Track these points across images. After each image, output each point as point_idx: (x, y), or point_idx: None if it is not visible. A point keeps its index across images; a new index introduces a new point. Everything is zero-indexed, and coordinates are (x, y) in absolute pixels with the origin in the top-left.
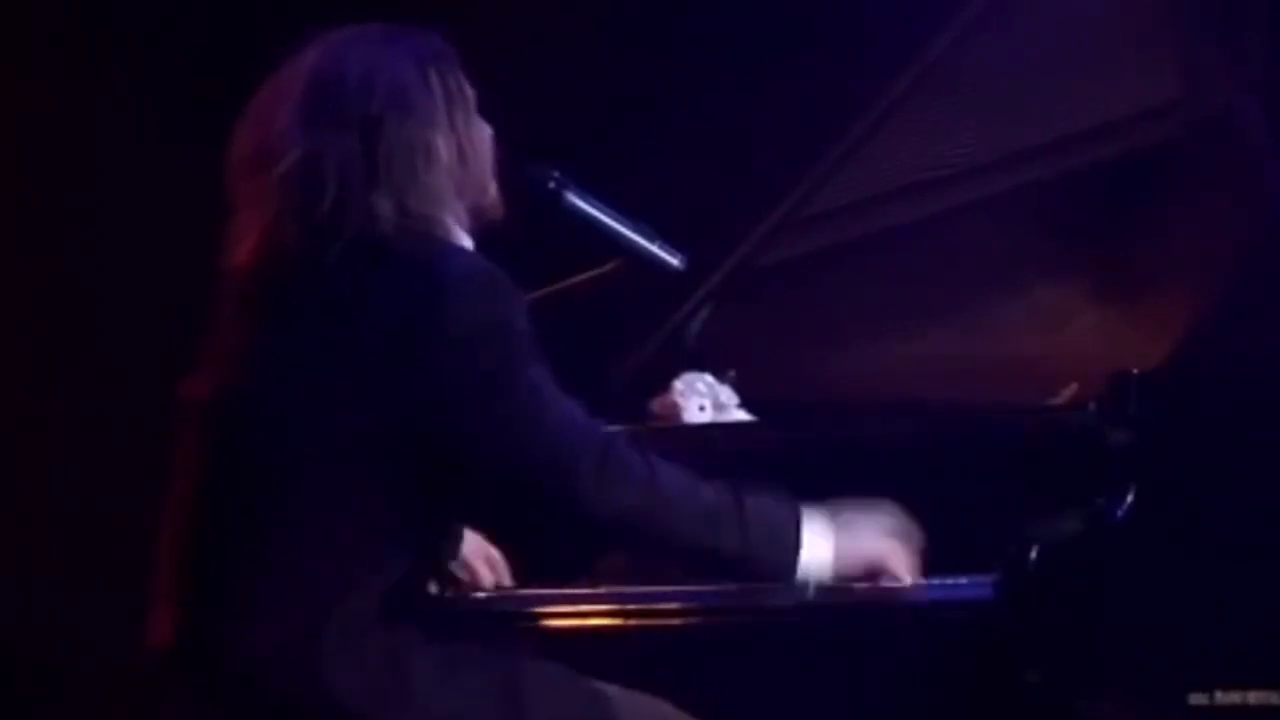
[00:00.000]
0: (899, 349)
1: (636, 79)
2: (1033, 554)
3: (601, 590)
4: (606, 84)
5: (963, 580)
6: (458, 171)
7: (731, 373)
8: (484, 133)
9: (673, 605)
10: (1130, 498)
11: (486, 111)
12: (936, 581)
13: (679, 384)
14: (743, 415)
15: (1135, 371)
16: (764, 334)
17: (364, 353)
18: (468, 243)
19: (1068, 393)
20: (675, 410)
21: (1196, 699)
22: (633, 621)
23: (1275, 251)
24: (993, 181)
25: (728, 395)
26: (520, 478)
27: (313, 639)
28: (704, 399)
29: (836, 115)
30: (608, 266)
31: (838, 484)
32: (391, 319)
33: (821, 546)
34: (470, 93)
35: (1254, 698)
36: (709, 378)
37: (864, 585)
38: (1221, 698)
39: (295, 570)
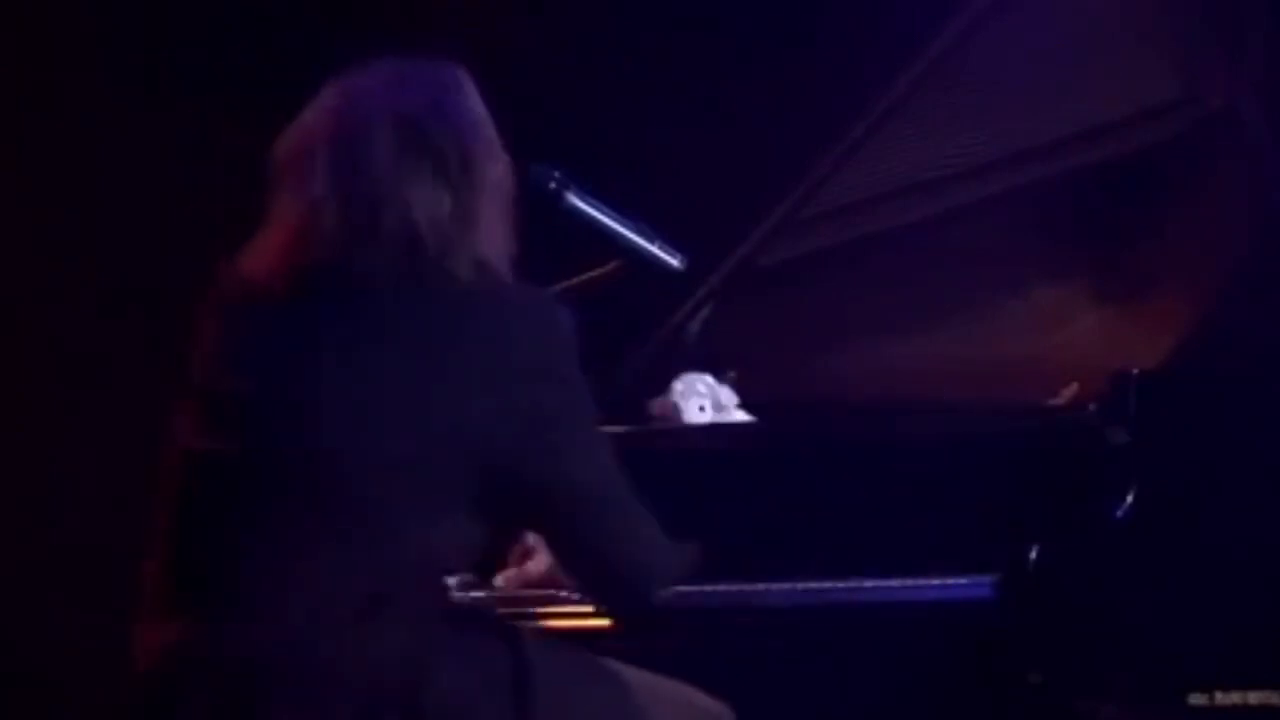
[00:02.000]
0: (899, 349)
1: (637, 79)
2: (1032, 554)
3: None
4: (607, 83)
5: (962, 580)
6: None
7: (731, 373)
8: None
9: (671, 607)
10: (1130, 498)
11: (489, 110)
12: (937, 581)
13: (679, 384)
14: (743, 416)
15: (1135, 371)
16: (764, 334)
17: (432, 378)
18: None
19: (1068, 393)
20: (675, 411)
21: (1196, 699)
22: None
23: (1274, 251)
24: (993, 181)
25: (728, 396)
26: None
27: (343, 642)
28: (704, 399)
29: (836, 115)
30: (608, 267)
31: (837, 485)
32: (466, 349)
33: None
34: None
35: (1254, 698)
36: (709, 378)
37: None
38: (1221, 698)
39: (338, 584)
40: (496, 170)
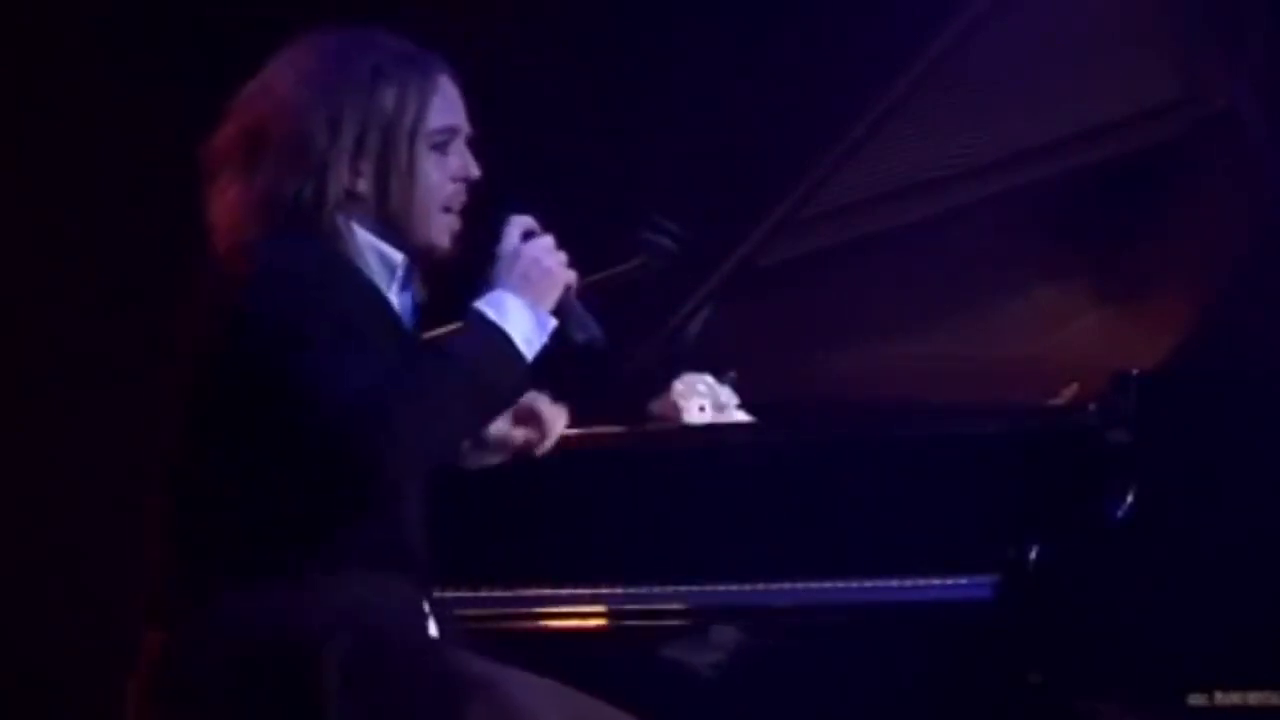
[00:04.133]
0: (899, 349)
1: (636, 78)
2: (1032, 554)
3: (599, 591)
4: (606, 83)
5: (963, 580)
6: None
7: (732, 373)
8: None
9: (671, 606)
10: (1130, 498)
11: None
12: (937, 582)
13: (679, 384)
14: (742, 416)
15: (1135, 372)
16: (764, 334)
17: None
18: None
19: (1068, 393)
20: (675, 411)
21: (1196, 699)
22: (630, 623)
23: (1274, 251)
24: (993, 182)
25: (728, 396)
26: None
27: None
28: (704, 399)
29: (836, 115)
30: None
31: (836, 485)
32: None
33: (512, 308)
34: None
35: (1253, 698)
36: (709, 378)
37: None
38: (1221, 698)
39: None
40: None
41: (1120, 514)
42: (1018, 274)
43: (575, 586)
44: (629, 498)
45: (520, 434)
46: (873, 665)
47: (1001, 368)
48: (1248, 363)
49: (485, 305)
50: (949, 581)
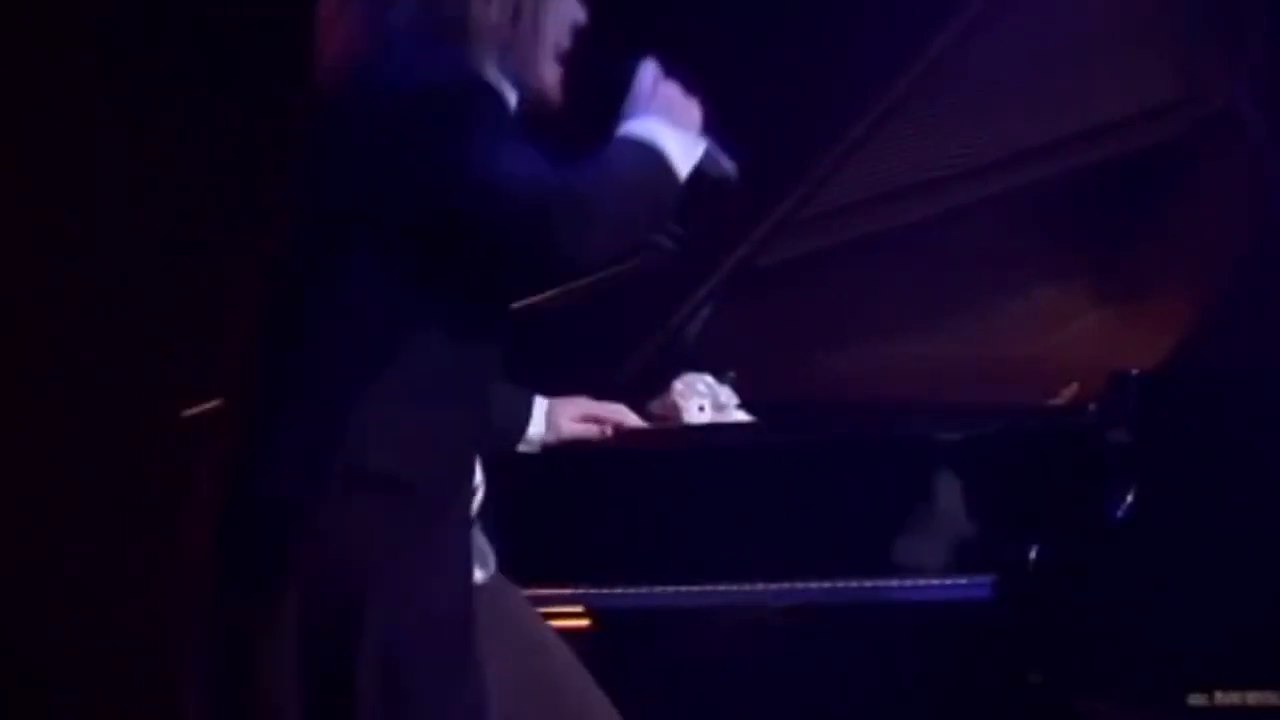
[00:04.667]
0: (898, 349)
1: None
2: (1032, 554)
3: (598, 591)
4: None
5: (962, 580)
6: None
7: (731, 373)
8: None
9: (670, 605)
10: (1130, 498)
11: None
12: (936, 581)
13: (679, 384)
14: (742, 416)
15: (1135, 372)
16: (764, 334)
17: (356, 146)
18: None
19: (1068, 393)
20: (675, 411)
21: (1196, 699)
22: (631, 624)
23: (1274, 251)
24: (993, 182)
25: (727, 396)
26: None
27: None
28: (704, 399)
29: (837, 115)
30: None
31: (836, 485)
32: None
33: (664, 134)
34: None
35: (1253, 698)
36: (709, 378)
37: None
38: (1221, 698)
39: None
40: None
41: (1120, 514)
42: (1017, 274)
43: (574, 586)
44: (628, 497)
45: (581, 429)
46: (872, 665)
47: (1001, 368)
48: (1248, 362)
49: (632, 129)
50: (948, 581)
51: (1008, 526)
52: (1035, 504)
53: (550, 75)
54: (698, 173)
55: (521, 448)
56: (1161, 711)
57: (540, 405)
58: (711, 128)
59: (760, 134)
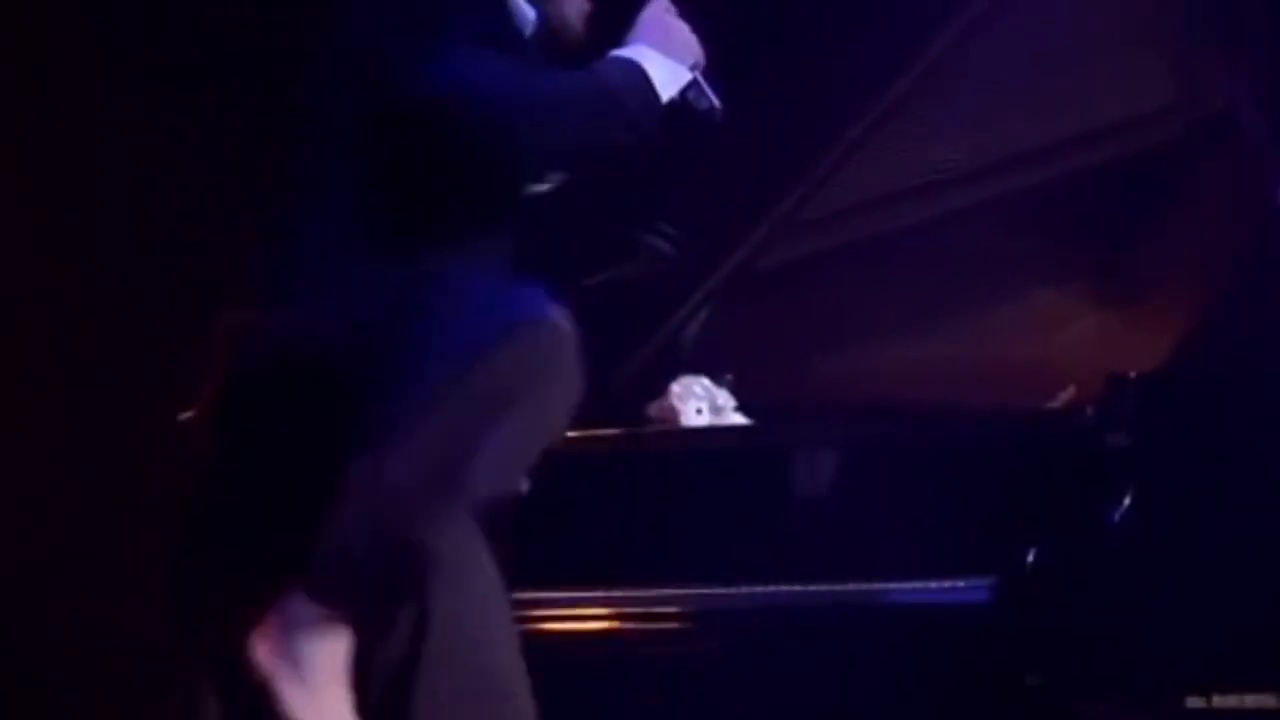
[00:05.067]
0: (897, 352)
1: None
2: (1030, 556)
3: (596, 594)
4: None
5: (960, 583)
6: None
7: (729, 376)
8: None
9: (671, 609)
10: (1127, 500)
11: None
12: (934, 584)
13: (676, 387)
14: (739, 418)
15: (1133, 375)
16: (762, 337)
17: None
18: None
19: (1065, 396)
20: (673, 414)
21: (1193, 702)
22: (631, 625)
23: (1272, 254)
24: (991, 184)
25: (725, 398)
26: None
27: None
28: (701, 402)
29: (835, 117)
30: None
31: (833, 488)
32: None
33: (653, 59)
34: None
35: (1250, 700)
36: (706, 381)
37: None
38: (1218, 700)
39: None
40: None
41: (1118, 516)
42: (1015, 277)
43: (572, 590)
44: (626, 500)
45: None
46: (871, 668)
47: (999, 370)
48: (1247, 363)
49: (623, 50)
50: (947, 584)
51: (1006, 529)
52: (1033, 506)
53: (572, 7)
54: (683, 105)
55: None
56: (1159, 714)
57: None
58: (707, 69)
59: (758, 135)
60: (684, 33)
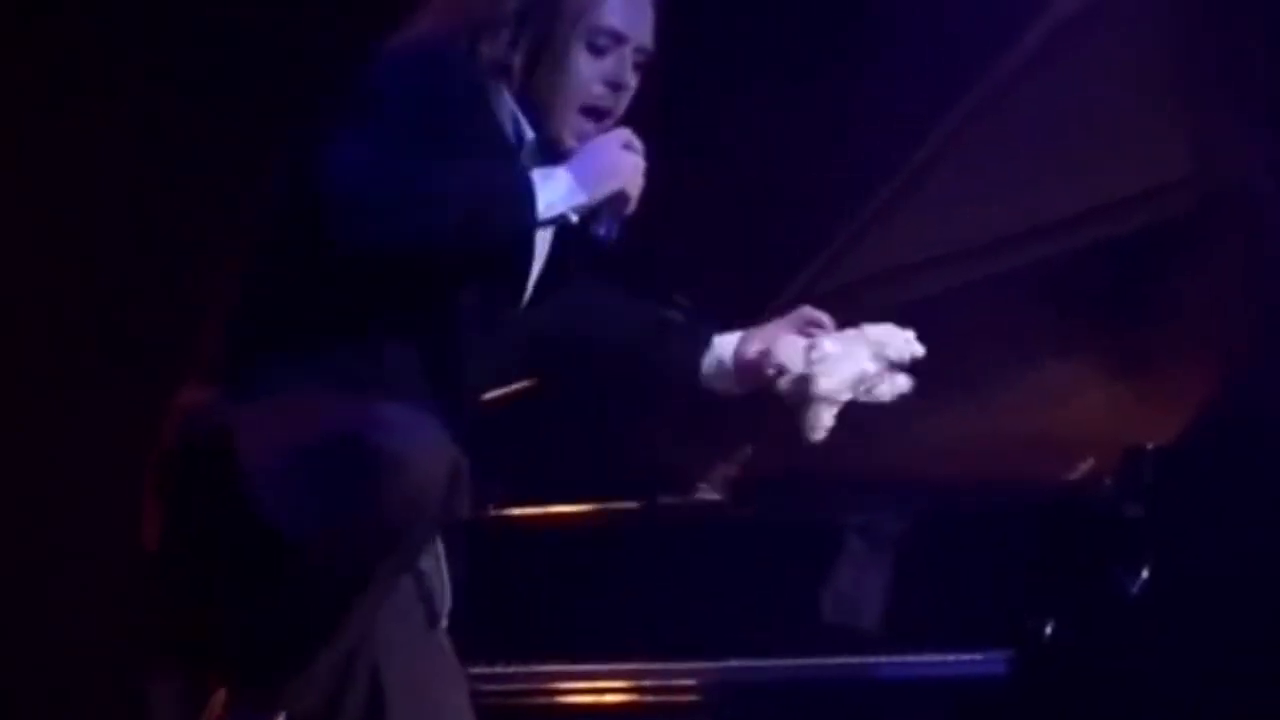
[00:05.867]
0: (914, 424)
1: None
2: (1048, 629)
3: (614, 667)
4: None
5: (977, 656)
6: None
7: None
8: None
9: (685, 682)
10: (1145, 572)
11: None
12: (952, 657)
13: (830, 344)
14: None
15: (1150, 446)
16: (776, 410)
17: None
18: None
19: (1084, 468)
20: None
21: None
22: (645, 698)
23: None
24: (1005, 258)
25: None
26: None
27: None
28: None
29: (855, 192)
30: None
31: (851, 560)
32: None
33: (558, 178)
34: None
35: None
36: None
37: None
38: None
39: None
40: None
41: (1136, 588)
42: (1031, 350)
43: (589, 662)
44: (643, 573)
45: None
46: None
47: (1016, 442)
48: (1263, 434)
49: (542, 168)
50: (964, 657)
51: (1024, 601)
52: (1051, 578)
53: (570, 130)
54: (577, 225)
55: (715, 385)
56: None
57: (724, 339)
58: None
59: (775, 210)
60: (618, 158)
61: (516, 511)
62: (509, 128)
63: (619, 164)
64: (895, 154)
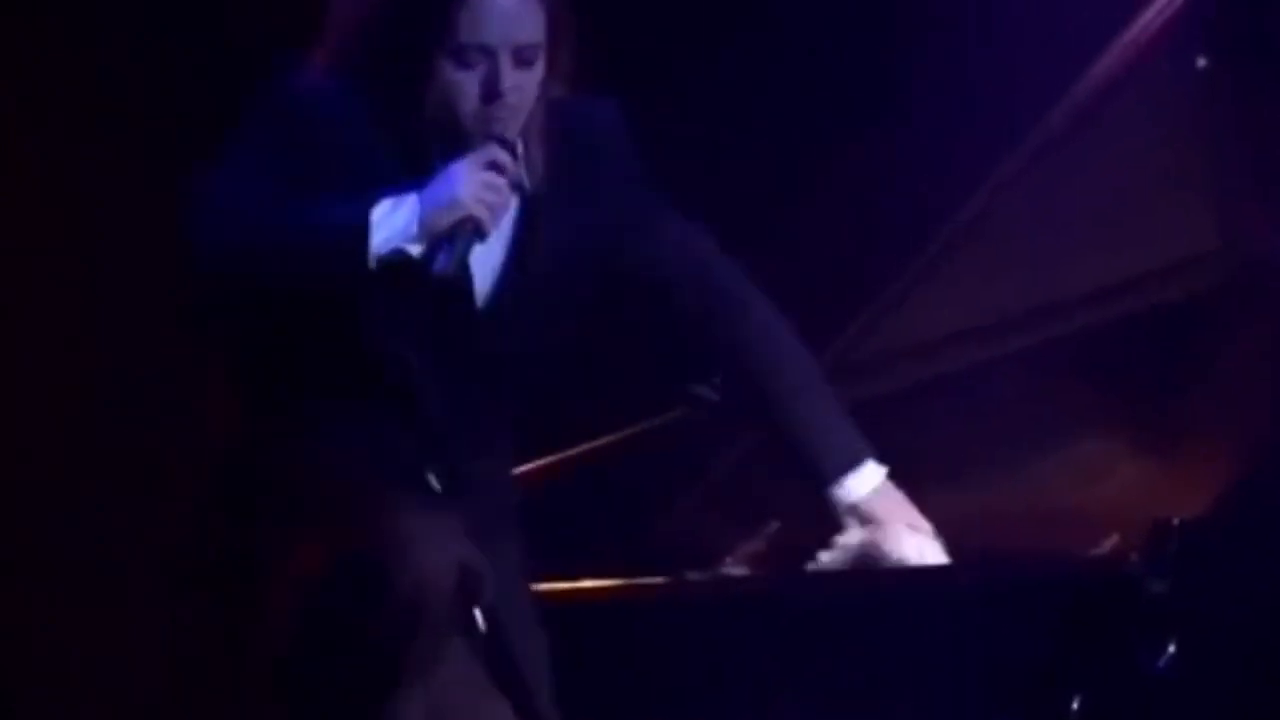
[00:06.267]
0: (940, 499)
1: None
2: (1074, 705)
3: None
4: None
5: None
6: None
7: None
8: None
9: None
10: (1171, 648)
11: None
12: None
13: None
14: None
15: (1176, 522)
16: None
17: None
18: None
19: (1109, 544)
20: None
21: None
22: None
23: None
24: (1034, 332)
25: None
26: None
27: None
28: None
29: (882, 265)
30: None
31: (875, 634)
32: None
33: (403, 208)
34: None
35: None
36: None
37: None
38: None
39: None
40: None
41: (1162, 664)
42: (1058, 424)
43: None
44: (671, 651)
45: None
46: None
47: (1043, 517)
48: None
49: (397, 197)
50: None
51: (1049, 676)
52: (1077, 653)
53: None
54: (418, 257)
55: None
56: None
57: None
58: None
59: (801, 284)
60: (460, 186)
61: (544, 586)
62: (396, 157)
63: (464, 189)
64: (927, 230)
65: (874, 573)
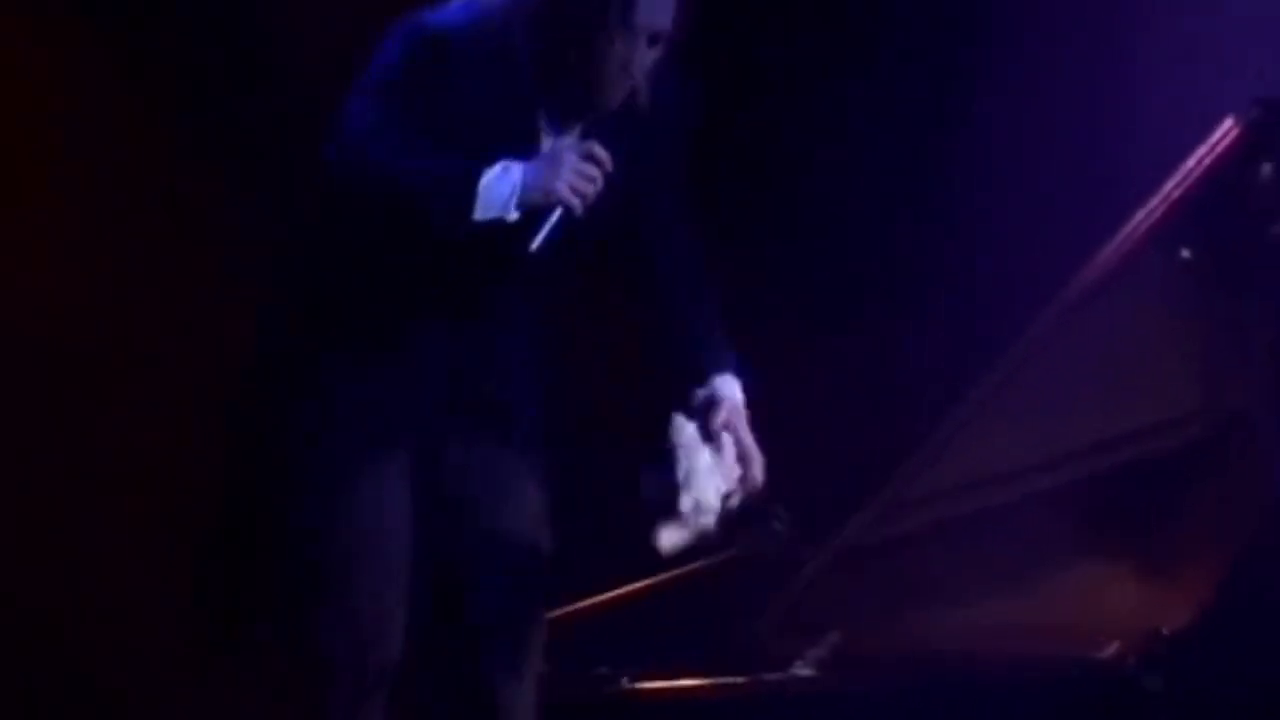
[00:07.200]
0: (963, 612)
1: None
2: None
3: None
4: None
5: None
6: None
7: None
8: None
9: None
10: None
11: None
12: None
13: None
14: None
15: (1166, 631)
16: (858, 602)
17: None
18: None
19: (1110, 650)
20: None
21: None
22: None
23: None
24: (1045, 476)
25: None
26: None
27: None
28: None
29: (924, 422)
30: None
31: None
32: None
33: (509, 177)
34: None
35: None
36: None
37: None
38: None
39: None
40: None
41: None
42: (1069, 550)
43: None
44: None
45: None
46: None
47: (1054, 627)
48: (1265, 618)
49: (501, 163)
50: None
51: None
52: None
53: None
54: (511, 226)
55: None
56: None
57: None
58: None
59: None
60: (561, 178)
61: (648, 685)
62: (507, 112)
63: (563, 179)
64: (962, 383)
65: (911, 673)
